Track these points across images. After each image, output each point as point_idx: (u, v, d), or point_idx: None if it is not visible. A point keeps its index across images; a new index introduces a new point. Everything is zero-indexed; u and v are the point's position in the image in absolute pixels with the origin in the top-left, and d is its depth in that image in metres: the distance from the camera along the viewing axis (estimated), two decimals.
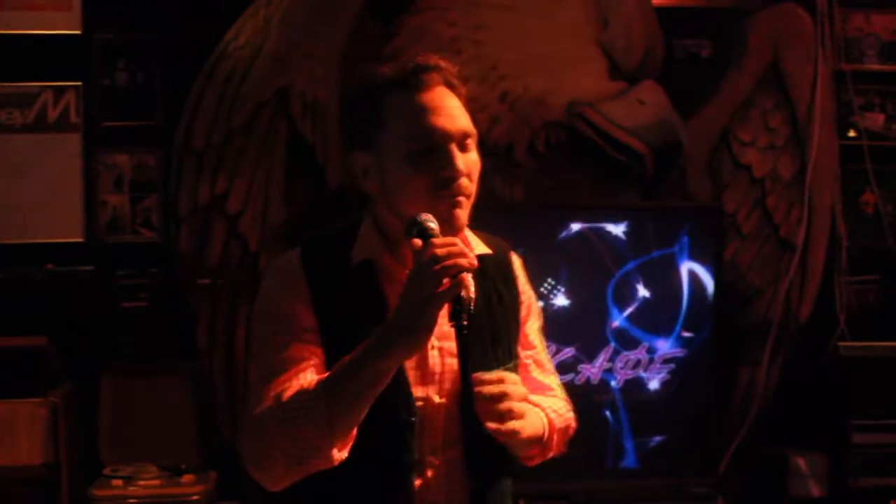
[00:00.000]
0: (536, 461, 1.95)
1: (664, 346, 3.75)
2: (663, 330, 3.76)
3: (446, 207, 1.76)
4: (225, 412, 3.72)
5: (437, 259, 1.63)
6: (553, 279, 3.65)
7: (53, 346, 3.52)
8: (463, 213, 1.80)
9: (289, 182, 3.79)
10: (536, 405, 1.91)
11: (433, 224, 1.72)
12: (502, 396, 1.72)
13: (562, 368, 3.65)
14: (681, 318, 3.75)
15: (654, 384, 3.75)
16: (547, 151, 3.95)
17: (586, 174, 3.97)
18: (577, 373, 3.69)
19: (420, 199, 1.77)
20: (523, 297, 2.00)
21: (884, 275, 4.19)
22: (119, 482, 3.48)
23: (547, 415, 1.93)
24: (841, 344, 3.98)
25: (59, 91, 3.72)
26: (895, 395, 3.86)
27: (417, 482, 1.81)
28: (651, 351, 3.74)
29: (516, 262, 2.04)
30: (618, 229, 3.73)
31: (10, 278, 3.66)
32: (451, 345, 1.76)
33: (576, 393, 3.51)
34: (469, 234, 1.92)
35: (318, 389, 1.68)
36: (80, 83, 3.73)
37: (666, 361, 3.76)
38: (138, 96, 3.76)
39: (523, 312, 2.00)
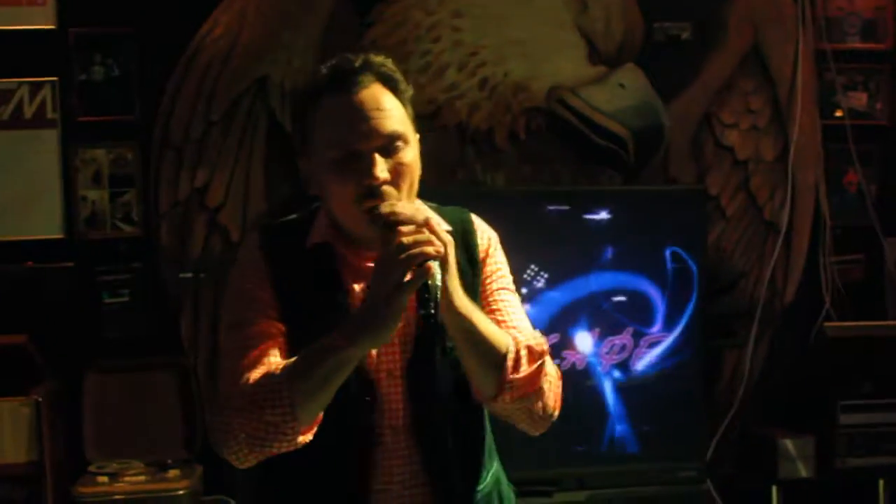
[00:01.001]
0: (503, 388, 1.78)
1: (649, 331, 3.74)
2: (648, 314, 3.75)
3: (371, 209, 1.73)
4: (210, 406, 3.71)
5: (402, 248, 1.63)
6: (536, 265, 3.63)
7: (34, 344, 3.50)
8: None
9: (269, 173, 3.77)
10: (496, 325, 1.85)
11: (398, 209, 1.69)
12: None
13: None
14: (665, 302, 3.74)
15: (639, 369, 3.74)
16: (528, 137, 3.94)
17: (568, 160, 3.96)
18: (563, 359, 3.68)
19: (346, 207, 1.78)
20: (485, 265, 1.96)
21: (868, 253, 4.17)
22: (104, 478, 3.46)
23: (510, 333, 1.85)
24: (826, 324, 3.96)
25: (36, 87, 3.69)
26: (882, 374, 3.84)
27: (378, 460, 1.82)
28: (636, 335, 3.73)
29: (478, 228, 1.99)
30: (600, 214, 3.72)
31: None
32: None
33: (562, 378, 3.62)
34: (431, 213, 1.91)
35: (283, 374, 1.69)
36: (56, 78, 3.69)
37: (651, 345, 3.74)
38: (115, 90, 3.73)
39: (483, 276, 1.95)
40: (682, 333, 3.75)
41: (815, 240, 4.12)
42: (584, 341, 3.69)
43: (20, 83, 3.68)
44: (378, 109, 1.77)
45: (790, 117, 4.05)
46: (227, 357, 1.79)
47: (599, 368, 3.71)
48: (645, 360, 3.74)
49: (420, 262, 1.62)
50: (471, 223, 1.99)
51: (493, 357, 1.78)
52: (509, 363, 1.78)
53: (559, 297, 3.66)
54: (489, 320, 1.81)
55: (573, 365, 3.69)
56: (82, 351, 3.68)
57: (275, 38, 3.76)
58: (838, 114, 4.15)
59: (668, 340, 3.75)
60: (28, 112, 3.69)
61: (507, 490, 2.05)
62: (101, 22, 3.71)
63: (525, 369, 1.80)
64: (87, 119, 3.73)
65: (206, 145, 3.74)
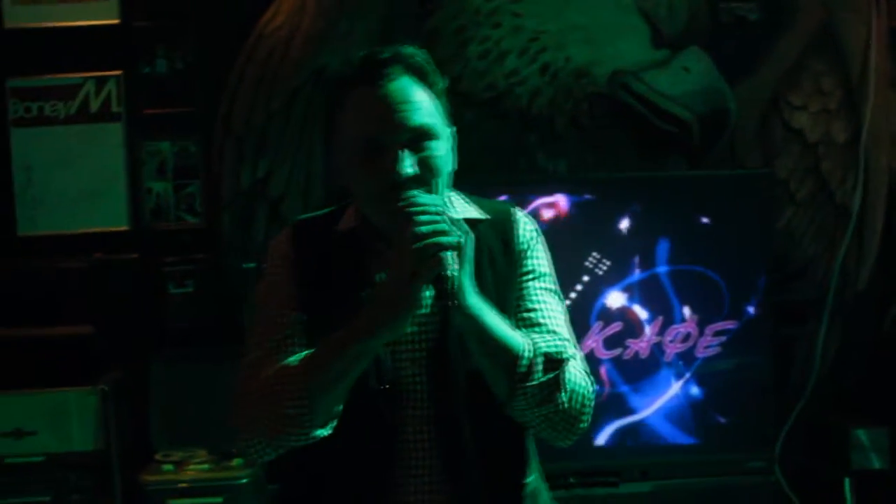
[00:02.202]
0: (516, 393, 1.72)
1: (715, 319, 3.66)
2: (713, 302, 3.67)
3: (398, 207, 1.68)
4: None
5: (417, 237, 1.61)
6: (598, 253, 3.58)
7: (101, 335, 3.56)
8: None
9: (329, 163, 3.78)
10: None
11: (424, 200, 1.67)
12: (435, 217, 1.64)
13: (609, 344, 3.61)
14: (731, 290, 3.66)
15: (705, 357, 3.66)
16: (590, 124, 3.89)
17: (631, 145, 3.90)
18: (626, 347, 3.63)
19: (371, 203, 1.77)
20: (524, 259, 1.89)
21: None
22: (169, 467, 3.51)
23: (530, 337, 1.78)
24: None
25: (101, 81, 3.75)
26: None
27: (397, 455, 1.78)
28: (702, 323, 3.66)
29: (521, 222, 1.92)
30: (663, 200, 3.65)
31: (58, 268, 3.70)
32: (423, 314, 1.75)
33: (624, 367, 3.58)
34: (463, 202, 1.90)
35: (300, 366, 1.69)
36: (120, 72, 3.75)
37: (717, 334, 3.67)
38: (178, 83, 3.77)
39: (522, 271, 1.89)
40: (750, 321, 3.67)
41: (889, 224, 3.99)
42: (647, 330, 3.64)
43: (86, 78, 3.75)
44: (406, 102, 1.73)
45: (863, 99, 3.93)
46: (249, 347, 1.79)
47: (663, 357, 3.65)
48: (710, 349, 3.67)
49: (435, 252, 1.60)
50: (512, 215, 1.93)
51: (504, 361, 1.72)
52: (522, 370, 1.72)
53: (621, 285, 3.61)
54: (504, 322, 1.74)
55: (636, 354, 3.63)
56: (148, 341, 3.74)
57: (334, 27, 3.76)
58: None
59: (735, 328, 3.67)
60: (94, 106, 3.75)
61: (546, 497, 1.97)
62: (163, 15, 3.75)
63: (539, 377, 1.73)
64: (152, 112, 3.78)
65: (266, 136, 3.76)
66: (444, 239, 1.61)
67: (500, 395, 1.75)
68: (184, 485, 3.45)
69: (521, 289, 1.88)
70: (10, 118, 3.72)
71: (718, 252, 3.66)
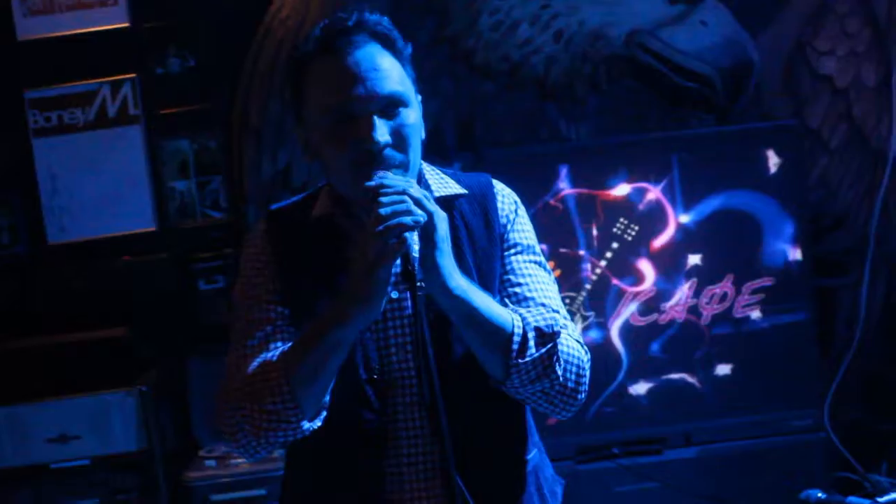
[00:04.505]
0: (510, 371, 1.69)
1: (751, 276, 3.57)
2: (749, 259, 3.58)
3: (371, 175, 1.66)
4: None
5: (380, 219, 1.57)
6: (625, 219, 3.51)
7: (137, 335, 3.60)
8: None
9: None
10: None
11: (392, 179, 1.63)
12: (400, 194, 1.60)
13: (643, 310, 3.54)
14: (766, 246, 3.57)
15: (743, 317, 3.58)
16: (610, 86, 3.81)
17: (654, 105, 3.82)
18: (662, 312, 3.56)
19: (344, 175, 1.71)
20: (506, 231, 1.85)
21: None
22: (212, 462, 3.55)
23: (519, 313, 1.74)
24: None
25: (116, 85, 3.77)
26: None
27: (389, 444, 1.76)
28: (738, 282, 3.57)
29: (500, 195, 1.89)
30: (691, 159, 3.56)
31: (90, 273, 3.74)
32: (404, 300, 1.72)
33: (662, 332, 3.51)
34: (439, 178, 1.86)
35: (279, 361, 1.67)
36: (134, 75, 3.77)
37: (755, 292, 3.58)
38: (192, 81, 3.78)
39: (506, 245, 1.85)
40: (788, 276, 3.57)
41: None
42: (681, 292, 3.56)
43: (101, 83, 3.77)
44: (375, 70, 1.69)
45: (892, 38, 3.79)
46: (231, 346, 1.78)
47: (701, 320, 3.57)
48: (749, 308, 3.58)
49: (398, 234, 1.57)
50: (491, 187, 1.89)
51: (496, 340, 1.69)
52: (515, 346, 1.69)
53: (653, 249, 3.54)
54: (490, 300, 1.71)
55: (673, 318, 3.56)
56: (184, 339, 3.77)
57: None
58: None
59: (773, 284, 3.57)
60: (111, 111, 3.77)
61: (552, 481, 1.94)
62: (172, 14, 3.76)
63: (533, 353, 1.70)
64: (168, 111, 3.79)
65: (284, 126, 3.75)
66: (405, 219, 1.57)
67: (495, 373, 1.72)
68: (226, 479, 3.49)
69: (507, 264, 1.84)
70: (31, 129, 3.75)
71: (750, 207, 3.57)
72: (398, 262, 1.65)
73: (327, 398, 1.69)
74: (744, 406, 3.58)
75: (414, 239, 1.60)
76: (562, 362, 1.73)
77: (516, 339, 1.69)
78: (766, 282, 3.58)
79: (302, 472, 1.87)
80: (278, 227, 1.83)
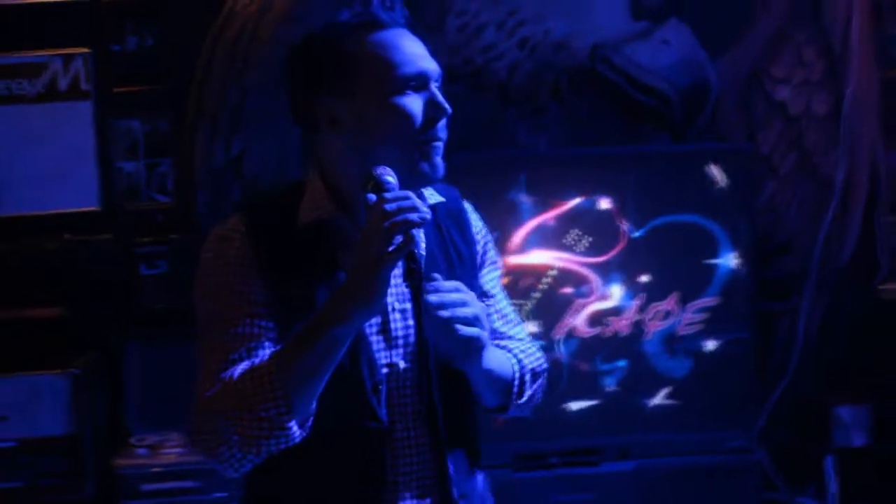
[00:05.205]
0: (508, 409, 1.86)
1: (696, 295, 3.61)
2: (694, 278, 3.62)
3: (429, 150, 1.68)
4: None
5: (386, 215, 1.54)
6: (579, 229, 3.53)
7: (71, 316, 3.51)
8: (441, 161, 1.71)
9: (304, 143, 3.71)
10: (503, 348, 1.86)
11: (391, 178, 1.62)
12: (463, 303, 1.63)
13: (589, 322, 3.56)
14: (713, 266, 3.61)
15: (686, 334, 3.62)
16: (571, 98, 3.82)
17: (613, 119, 3.84)
18: (606, 325, 3.58)
19: (402, 141, 1.67)
20: (478, 247, 1.89)
21: None
22: (143, 451, 3.47)
23: (515, 355, 1.86)
24: (883, 286, 3.80)
25: (69, 58, 3.67)
26: None
27: (388, 453, 1.71)
28: (682, 300, 3.61)
29: (469, 208, 1.92)
30: (645, 176, 3.59)
31: (27, 250, 3.63)
32: (412, 306, 1.64)
33: (606, 346, 3.53)
34: None
35: (270, 364, 1.59)
36: (88, 49, 3.67)
37: (699, 311, 3.62)
38: (149, 60, 3.69)
39: (478, 261, 1.88)
40: (732, 297, 3.62)
41: (872, 197, 3.94)
42: (627, 308, 3.59)
43: (53, 56, 3.66)
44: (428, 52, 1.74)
45: (845, 70, 3.86)
46: (206, 356, 1.66)
47: (644, 335, 3.60)
48: (692, 326, 3.62)
49: (403, 230, 1.54)
50: (461, 201, 1.91)
51: (500, 387, 1.82)
52: (515, 390, 1.83)
53: (601, 263, 3.56)
54: (500, 354, 1.82)
55: (616, 332, 3.59)
56: (122, 323, 3.68)
57: (307, 3, 3.68)
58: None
59: (716, 305, 3.62)
60: (62, 84, 3.67)
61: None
62: None
63: (528, 393, 1.87)
64: (122, 90, 3.70)
65: (239, 114, 3.69)
66: (412, 216, 1.54)
67: (491, 407, 1.84)
68: (158, 469, 3.41)
69: (488, 281, 1.91)
70: None
71: (699, 227, 3.61)
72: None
73: (314, 405, 1.63)
74: (682, 423, 3.62)
75: (420, 236, 1.58)
76: (542, 389, 1.93)
77: (516, 384, 1.84)
78: (710, 302, 3.63)
79: (285, 478, 1.75)
80: (260, 230, 1.71)
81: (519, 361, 1.85)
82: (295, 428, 1.60)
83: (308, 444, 1.64)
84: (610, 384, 3.61)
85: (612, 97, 3.82)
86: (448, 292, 1.63)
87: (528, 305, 3.51)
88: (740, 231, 3.63)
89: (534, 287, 3.51)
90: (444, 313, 1.60)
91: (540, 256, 3.50)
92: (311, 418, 1.64)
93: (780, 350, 3.90)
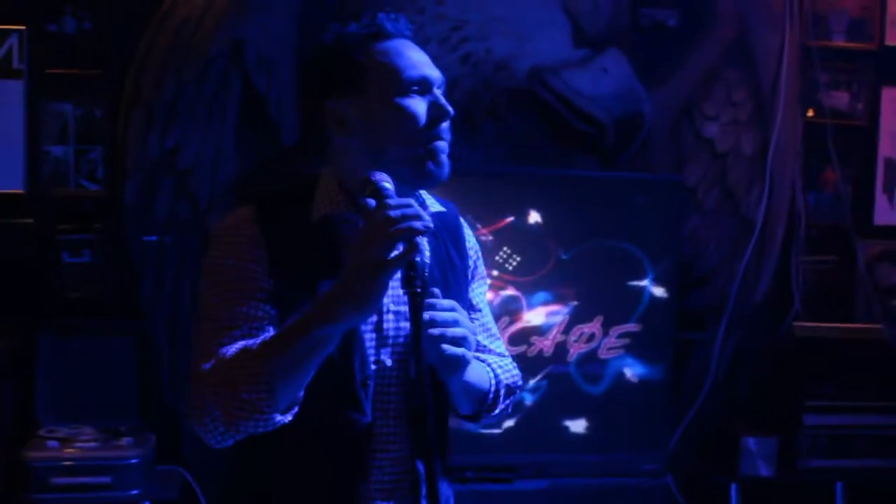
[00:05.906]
0: (480, 418, 1.92)
1: (619, 320, 3.69)
2: (618, 303, 3.70)
3: (434, 150, 1.72)
4: (167, 374, 3.62)
5: (390, 221, 1.55)
6: (509, 248, 3.57)
7: None
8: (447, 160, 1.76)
9: (240, 138, 3.67)
10: (482, 360, 1.91)
11: (388, 184, 1.64)
12: (455, 322, 1.68)
13: (514, 340, 3.60)
14: (637, 293, 3.70)
15: (607, 358, 3.69)
16: (508, 117, 3.86)
17: (547, 142, 3.89)
18: (530, 345, 3.63)
19: (407, 140, 1.71)
20: (470, 261, 1.95)
21: (841, 255, 4.14)
22: (54, 443, 3.37)
23: (493, 369, 1.92)
24: (795, 324, 3.94)
25: (3, 35, 3.55)
26: (848, 376, 3.83)
27: (366, 446, 1.74)
28: (606, 324, 3.68)
29: (463, 222, 1.97)
30: (574, 200, 3.66)
31: None
32: (406, 309, 1.67)
33: (529, 365, 3.57)
34: (423, 192, 1.86)
35: (260, 349, 1.62)
36: (23, 27, 3.56)
37: (621, 336, 3.70)
38: (86, 43, 3.60)
39: (469, 275, 1.94)
40: (652, 325, 3.71)
41: (789, 237, 4.09)
42: (552, 328, 3.64)
43: None
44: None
45: (772, 113, 4.00)
46: (205, 332, 1.69)
47: (567, 356, 3.66)
48: (614, 350, 3.70)
49: (406, 238, 1.55)
50: (459, 216, 1.96)
51: (476, 397, 1.87)
52: (489, 402, 1.90)
53: (529, 282, 3.61)
54: (480, 367, 1.88)
55: (540, 352, 3.64)
56: (38, 311, 3.57)
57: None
58: (810, 113, 4.11)
59: (637, 331, 3.70)
60: None
61: None
62: None
63: (500, 406, 1.94)
64: (56, 71, 3.60)
65: (177, 106, 3.63)
66: (416, 223, 1.56)
67: (465, 413, 1.88)
68: (69, 462, 3.31)
69: (473, 292, 1.96)
70: None
71: (624, 254, 3.69)
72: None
73: (301, 393, 1.65)
74: (597, 445, 3.69)
75: (425, 244, 1.59)
76: (513, 404, 2.01)
77: (491, 396, 1.90)
78: (633, 328, 3.71)
79: (265, 461, 1.78)
80: (272, 221, 1.74)
81: (496, 376, 1.92)
82: (276, 414, 1.63)
83: (291, 430, 1.66)
84: (528, 402, 3.66)
85: (548, 120, 3.87)
86: (443, 310, 1.67)
87: None
88: (664, 260, 3.73)
89: None
90: (435, 331, 1.64)
91: None
92: (297, 406, 1.66)
93: (693, 379, 4.01)
